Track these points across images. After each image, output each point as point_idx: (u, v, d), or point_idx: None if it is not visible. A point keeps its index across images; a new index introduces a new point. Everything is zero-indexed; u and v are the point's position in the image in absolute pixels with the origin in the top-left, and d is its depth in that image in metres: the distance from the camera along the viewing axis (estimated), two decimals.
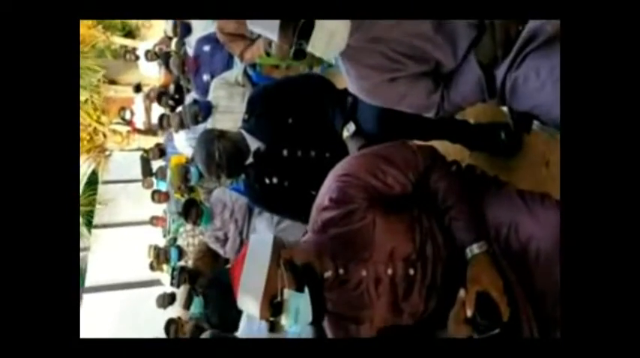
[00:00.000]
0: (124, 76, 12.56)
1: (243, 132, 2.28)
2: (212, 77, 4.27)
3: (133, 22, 14.93)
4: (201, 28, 4.62)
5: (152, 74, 7.17)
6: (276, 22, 1.20)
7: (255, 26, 1.25)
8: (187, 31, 4.83)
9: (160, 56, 6.27)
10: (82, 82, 9.38)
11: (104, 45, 12.70)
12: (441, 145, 2.29)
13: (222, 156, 2.18)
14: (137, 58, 7.03)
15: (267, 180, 2.28)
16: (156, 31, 12.29)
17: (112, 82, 12.76)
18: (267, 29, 1.23)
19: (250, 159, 2.26)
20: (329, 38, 1.24)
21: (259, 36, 3.89)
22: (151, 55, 6.39)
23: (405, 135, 2.22)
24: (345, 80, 1.50)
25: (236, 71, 4.03)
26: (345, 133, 2.17)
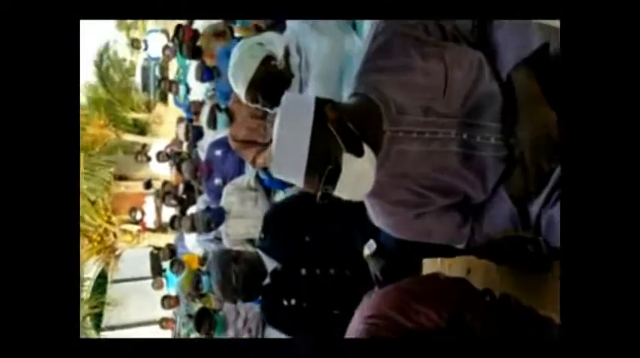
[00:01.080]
0: (135, 172, 12.78)
1: (260, 251, 2.21)
2: (224, 181, 4.28)
3: (143, 118, 15.46)
4: (213, 132, 4.70)
5: (164, 173, 7.27)
6: (302, 170, 1.16)
7: (279, 173, 1.22)
8: (199, 135, 4.92)
9: (172, 157, 6.38)
10: (92, 181, 9.51)
11: (116, 142, 13.05)
12: (466, 260, 2.21)
13: (238, 280, 2.11)
14: (149, 159, 7.15)
15: (285, 302, 2.18)
16: (166, 127, 12.67)
17: (123, 178, 12.98)
18: (292, 176, 1.19)
19: (267, 280, 2.18)
20: (356, 182, 1.20)
21: (271, 141, 3.95)
22: (162, 157, 6.49)
23: (429, 253, 2.15)
24: (369, 214, 1.45)
25: (248, 176, 4.04)
26: (366, 251, 2.10)
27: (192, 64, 5.15)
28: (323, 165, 1.16)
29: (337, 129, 1.16)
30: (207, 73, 4.52)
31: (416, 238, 1.44)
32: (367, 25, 1.97)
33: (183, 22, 5.17)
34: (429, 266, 2.45)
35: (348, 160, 1.17)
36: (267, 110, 2.13)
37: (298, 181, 1.18)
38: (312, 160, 1.15)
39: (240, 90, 1.93)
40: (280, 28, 3.82)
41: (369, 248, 2.10)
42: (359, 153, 1.18)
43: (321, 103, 1.18)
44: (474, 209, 1.38)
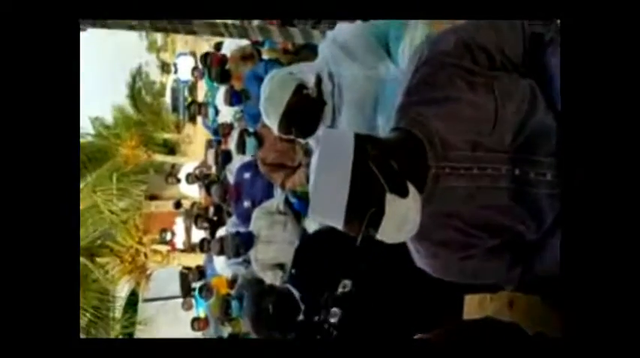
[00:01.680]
0: (165, 191, 12.91)
1: (291, 287, 2.13)
2: (253, 204, 4.24)
3: (173, 139, 15.68)
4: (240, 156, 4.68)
5: (193, 194, 7.29)
6: (342, 213, 1.08)
7: (318, 216, 1.14)
8: (228, 159, 4.90)
9: (201, 179, 6.39)
10: (125, 201, 9.63)
11: (147, 162, 13.25)
12: (508, 293, 2.09)
13: (272, 313, 2.03)
14: (178, 181, 7.19)
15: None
16: (196, 146, 12.81)
17: (153, 197, 13.12)
18: (332, 220, 1.11)
19: (301, 317, 2.09)
20: (400, 224, 1.11)
21: (300, 164, 3.90)
22: (192, 178, 6.51)
23: (472, 290, 2.03)
24: (412, 254, 1.35)
25: (277, 200, 3.99)
26: (341, 290, 1.98)
27: (221, 86, 5.16)
28: (365, 207, 1.07)
29: (379, 168, 1.08)
30: (235, 97, 4.51)
31: (463, 280, 1.34)
32: (401, 50, 1.90)
33: (210, 49, 5.18)
34: (469, 298, 2.33)
35: (391, 201, 1.08)
36: (300, 140, 2.07)
37: (338, 225, 1.10)
38: (352, 203, 1.06)
39: (272, 123, 1.88)
40: (309, 49, 3.80)
41: (343, 287, 1.98)
42: (403, 194, 1.09)
43: (361, 140, 1.10)
44: (525, 249, 1.28)
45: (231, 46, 4.95)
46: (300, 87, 1.85)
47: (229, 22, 2.99)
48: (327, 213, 1.10)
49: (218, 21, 3.08)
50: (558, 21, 1.20)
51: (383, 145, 1.13)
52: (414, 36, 1.86)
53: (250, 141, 3.52)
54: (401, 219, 1.10)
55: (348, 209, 1.06)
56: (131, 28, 3.11)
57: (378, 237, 1.11)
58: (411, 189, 1.11)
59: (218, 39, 5.27)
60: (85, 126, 13.31)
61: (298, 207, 3.91)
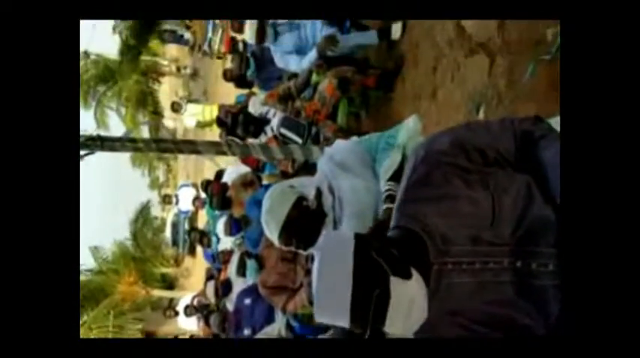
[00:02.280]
0: (162, 327, 12.48)
1: None
2: (253, 331, 4.13)
3: (172, 273, 15.50)
4: (241, 281, 4.63)
5: (191, 328, 7.06)
6: (347, 302, 1.07)
7: (323, 314, 1.13)
8: (228, 289, 4.84)
9: (199, 309, 6.24)
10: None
11: (145, 298, 12.98)
12: None
13: None
14: (177, 313, 7.01)
15: None
16: (194, 280, 12.64)
17: (150, 334, 12.64)
18: (337, 312, 1.10)
19: None
20: (407, 310, 1.10)
21: (301, 285, 3.85)
22: (190, 310, 6.37)
23: None
24: None
25: (278, 324, 3.88)
26: None
27: (222, 215, 5.25)
28: (370, 291, 1.06)
29: (381, 256, 1.09)
30: (235, 227, 4.59)
31: None
32: (383, 171, 1.98)
33: (210, 177, 5.38)
34: None
35: (396, 284, 1.08)
36: (301, 251, 2.08)
37: (344, 316, 1.08)
38: (357, 290, 1.05)
39: (273, 235, 1.91)
40: (307, 171, 3.94)
41: None
42: (407, 276, 1.10)
43: (362, 235, 1.13)
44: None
45: (232, 175, 5.14)
46: (301, 199, 1.91)
47: (232, 141, 3.17)
48: (332, 308, 1.10)
49: (221, 140, 3.26)
50: (551, 121, 1.28)
51: (384, 239, 1.16)
52: (395, 159, 1.96)
53: (251, 264, 3.52)
54: (407, 303, 1.09)
55: (353, 296, 1.06)
56: (136, 149, 3.27)
57: (386, 328, 1.10)
58: (414, 273, 1.11)
59: (220, 164, 5.48)
60: (84, 261, 13.25)
61: (300, 331, 3.78)
